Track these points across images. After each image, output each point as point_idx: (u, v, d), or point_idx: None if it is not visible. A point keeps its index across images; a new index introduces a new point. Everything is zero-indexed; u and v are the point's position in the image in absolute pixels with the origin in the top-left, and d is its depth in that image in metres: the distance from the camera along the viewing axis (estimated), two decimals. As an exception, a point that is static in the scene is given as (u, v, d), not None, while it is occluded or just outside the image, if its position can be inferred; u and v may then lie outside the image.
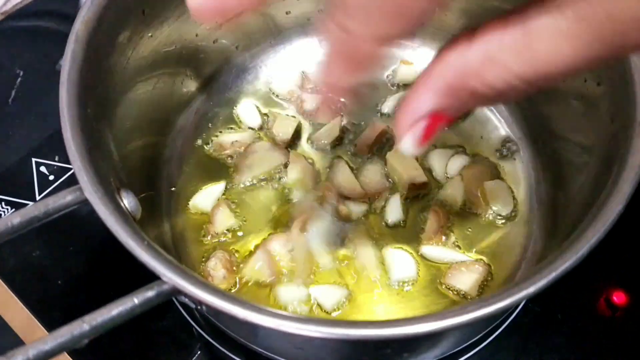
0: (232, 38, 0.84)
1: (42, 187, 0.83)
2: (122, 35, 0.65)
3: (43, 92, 0.94)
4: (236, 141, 0.80)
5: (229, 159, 0.80)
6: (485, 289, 0.70)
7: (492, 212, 0.75)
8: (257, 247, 0.72)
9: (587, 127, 0.65)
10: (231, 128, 0.83)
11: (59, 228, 0.80)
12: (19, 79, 0.96)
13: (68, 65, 0.57)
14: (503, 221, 0.75)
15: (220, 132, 0.83)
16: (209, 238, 0.74)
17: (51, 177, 0.84)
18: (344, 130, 0.82)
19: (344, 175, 0.77)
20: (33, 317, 0.74)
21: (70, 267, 0.78)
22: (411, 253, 0.72)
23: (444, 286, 0.70)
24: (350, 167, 0.78)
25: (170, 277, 0.48)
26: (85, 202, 0.53)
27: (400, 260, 0.72)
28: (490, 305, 0.47)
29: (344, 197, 0.75)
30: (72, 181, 0.83)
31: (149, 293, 0.49)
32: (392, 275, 0.71)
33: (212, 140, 0.82)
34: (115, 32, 0.64)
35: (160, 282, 0.49)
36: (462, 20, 0.83)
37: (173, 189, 0.77)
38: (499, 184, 0.77)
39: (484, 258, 0.72)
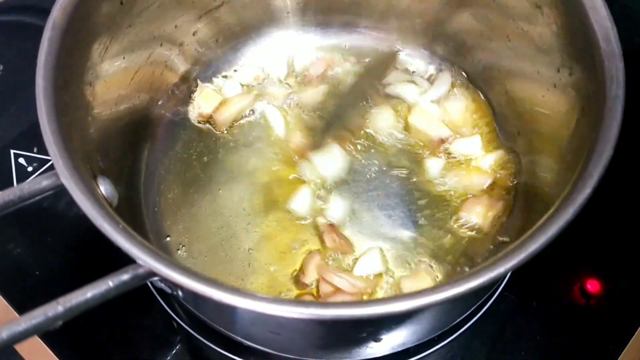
0: (212, 31, 0.85)
1: (20, 179, 0.83)
2: (100, 24, 0.65)
3: (23, 86, 0.93)
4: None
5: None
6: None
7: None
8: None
9: (560, 115, 0.66)
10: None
11: (36, 221, 0.80)
12: (0, 73, 0.95)
13: (45, 51, 0.57)
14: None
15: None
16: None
17: (30, 169, 0.84)
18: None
19: None
20: (11, 307, 0.74)
21: (47, 258, 0.78)
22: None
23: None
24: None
25: (145, 259, 0.48)
26: (61, 187, 0.53)
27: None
28: (463, 284, 0.47)
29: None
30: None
31: (124, 276, 0.49)
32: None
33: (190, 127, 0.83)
34: (93, 20, 0.64)
35: (135, 266, 0.49)
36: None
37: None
38: None
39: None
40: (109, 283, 0.48)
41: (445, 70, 0.87)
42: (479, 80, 0.84)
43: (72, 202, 0.77)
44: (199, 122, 0.84)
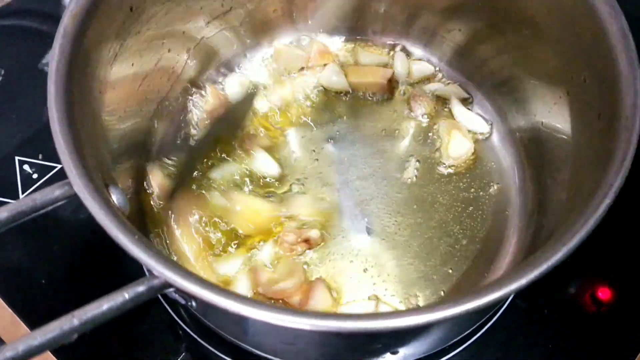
0: (220, 36, 0.84)
1: (25, 186, 0.82)
2: (110, 31, 0.64)
3: (25, 91, 0.93)
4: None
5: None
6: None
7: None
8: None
9: (575, 123, 0.66)
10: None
11: (41, 230, 0.79)
12: (1, 78, 0.94)
13: (56, 59, 0.56)
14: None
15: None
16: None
17: (35, 176, 0.83)
18: None
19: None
20: (16, 316, 0.73)
21: (53, 267, 0.77)
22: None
23: None
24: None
25: (161, 271, 0.48)
26: (74, 197, 0.52)
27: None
28: (482, 297, 0.47)
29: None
30: (56, 179, 0.83)
31: (140, 288, 0.48)
32: None
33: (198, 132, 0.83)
34: (103, 27, 0.63)
35: (150, 277, 0.49)
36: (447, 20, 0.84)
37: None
38: None
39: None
40: (125, 295, 0.48)
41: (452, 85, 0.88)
42: (489, 89, 0.84)
43: (77, 210, 0.78)
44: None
